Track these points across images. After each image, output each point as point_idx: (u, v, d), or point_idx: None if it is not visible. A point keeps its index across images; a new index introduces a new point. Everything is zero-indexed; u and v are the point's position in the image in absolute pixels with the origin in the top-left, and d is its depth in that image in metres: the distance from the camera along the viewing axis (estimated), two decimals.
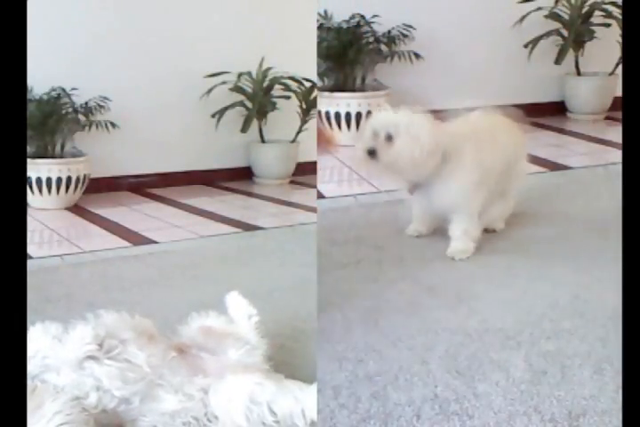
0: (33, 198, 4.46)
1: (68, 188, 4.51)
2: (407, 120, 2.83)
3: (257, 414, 1.79)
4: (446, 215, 2.98)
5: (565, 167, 4.16)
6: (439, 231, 3.10)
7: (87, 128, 4.68)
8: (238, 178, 5.34)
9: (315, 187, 4.01)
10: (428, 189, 2.93)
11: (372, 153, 2.79)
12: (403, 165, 2.79)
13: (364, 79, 4.85)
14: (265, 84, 5.16)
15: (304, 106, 5.18)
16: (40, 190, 4.45)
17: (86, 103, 4.65)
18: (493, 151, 2.98)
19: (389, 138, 2.79)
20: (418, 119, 2.86)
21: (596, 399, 1.97)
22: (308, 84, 5.12)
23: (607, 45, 4.97)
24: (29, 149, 4.42)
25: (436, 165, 2.83)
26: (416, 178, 2.89)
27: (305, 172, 5.16)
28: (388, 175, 2.98)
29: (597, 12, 5.04)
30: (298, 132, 5.26)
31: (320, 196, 3.76)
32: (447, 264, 2.89)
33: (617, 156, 4.07)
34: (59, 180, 4.46)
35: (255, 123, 5.22)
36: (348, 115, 4.70)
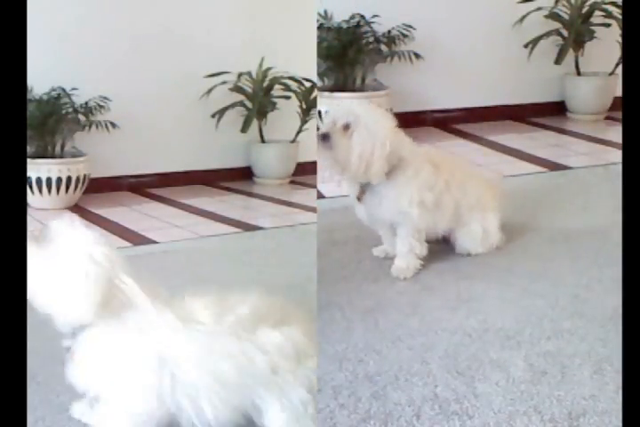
0: (33, 198, 4.46)
1: (68, 188, 4.51)
2: (369, 114, 2.68)
3: None
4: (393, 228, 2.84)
5: (565, 167, 4.17)
6: None
7: (87, 128, 4.68)
8: (238, 178, 5.34)
9: (315, 187, 4.01)
10: (375, 196, 2.76)
11: (325, 138, 2.61)
12: (355, 158, 2.61)
13: (363, 79, 4.85)
14: (265, 84, 5.16)
15: (304, 106, 5.18)
16: (40, 190, 4.45)
17: (86, 103, 4.65)
18: (442, 177, 2.83)
19: (347, 127, 2.62)
20: (381, 115, 2.72)
21: (596, 399, 1.97)
22: (308, 84, 5.12)
23: (607, 45, 4.97)
24: (29, 149, 4.42)
25: (388, 169, 2.67)
26: (365, 178, 2.68)
27: (305, 172, 5.17)
28: (338, 169, 2.70)
29: (597, 12, 5.04)
30: (298, 132, 5.26)
31: (320, 196, 3.76)
32: (447, 264, 2.89)
33: (617, 156, 4.07)
34: (59, 180, 4.46)
35: (255, 123, 5.22)
36: None
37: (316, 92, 4.97)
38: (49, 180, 4.45)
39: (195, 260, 3.50)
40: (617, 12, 4.91)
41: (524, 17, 5.00)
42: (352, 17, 4.83)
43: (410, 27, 4.84)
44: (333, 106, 2.76)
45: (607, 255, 2.87)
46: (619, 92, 4.94)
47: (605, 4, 5.01)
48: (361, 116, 2.64)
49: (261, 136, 5.31)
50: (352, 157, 2.61)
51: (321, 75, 4.82)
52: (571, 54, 5.12)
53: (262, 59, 5.13)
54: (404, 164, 2.71)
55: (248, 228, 4.07)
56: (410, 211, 2.75)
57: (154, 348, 1.80)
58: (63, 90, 4.59)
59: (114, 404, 1.83)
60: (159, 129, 5.09)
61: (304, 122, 5.22)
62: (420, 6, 4.97)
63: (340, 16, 4.83)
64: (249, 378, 1.83)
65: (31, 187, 4.43)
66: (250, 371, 1.82)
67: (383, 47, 4.83)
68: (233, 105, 5.13)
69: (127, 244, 3.76)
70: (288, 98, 5.17)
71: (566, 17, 5.09)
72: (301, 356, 1.89)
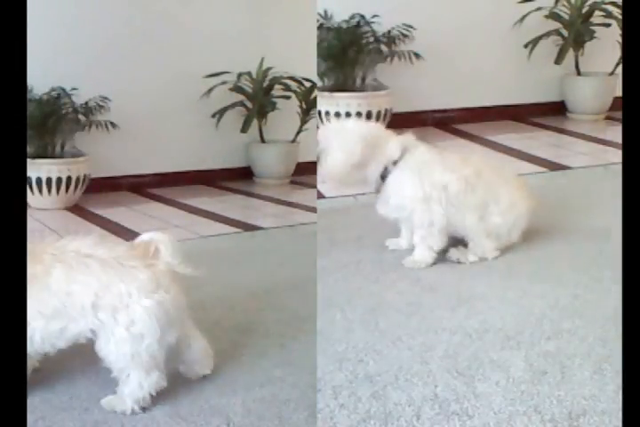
0: (33, 198, 4.46)
1: (68, 188, 4.50)
2: (338, 132, 2.89)
3: None
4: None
5: (565, 167, 4.17)
6: None
7: (87, 128, 4.68)
8: (238, 178, 5.34)
9: (315, 187, 4.01)
10: (385, 192, 2.91)
11: (319, 159, 2.91)
12: (332, 175, 2.90)
13: (364, 79, 4.85)
14: (265, 84, 5.16)
15: (304, 106, 5.18)
16: (40, 190, 4.45)
17: (86, 103, 4.65)
18: (445, 171, 2.88)
19: (323, 149, 2.88)
20: (351, 130, 2.88)
21: (596, 399, 1.97)
22: (308, 84, 5.12)
23: (607, 45, 4.97)
24: (29, 149, 4.41)
25: (372, 172, 2.87)
26: (355, 184, 2.97)
27: (305, 172, 5.16)
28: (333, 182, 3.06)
29: (597, 12, 5.04)
30: (298, 132, 5.26)
31: (320, 196, 3.76)
32: (447, 264, 2.89)
33: (617, 156, 4.07)
34: (59, 180, 4.46)
35: (255, 123, 5.22)
36: (347, 115, 4.70)
37: (315, 92, 4.97)
38: (49, 180, 4.45)
39: (195, 260, 3.49)
40: (617, 11, 4.91)
41: (524, 17, 5.00)
42: (352, 17, 4.83)
43: (410, 27, 4.84)
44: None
45: (607, 255, 2.87)
46: (619, 92, 4.93)
47: (605, 3, 5.01)
48: (331, 136, 2.89)
49: (261, 136, 5.30)
50: (330, 174, 2.90)
51: (321, 75, 4.82)
52: (571, 54, 5.12)
53: (262, 59, 5.13)
54: (401, 162, 2.85)
55: (248, 228, 4.07)
56: (411, 206, 2.85)
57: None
58: (63, 90, 4.59)
59: None
60: (159, 129, 5.09)
61: (304, 122, 5.22)
62: (420, 6, 4.97)
63: (340, 16, 4.82)
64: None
65: (31, 187, 4.43)
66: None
67: (383, 47, 4.83)
68: (233, 105, 5.13)
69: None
70: (288, 98, 5.17)
71: (566, 17, 5.09)
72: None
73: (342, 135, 2.88)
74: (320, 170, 2.94)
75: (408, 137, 2.91)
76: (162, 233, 2.24)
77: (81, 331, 2.08)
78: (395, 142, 2.88)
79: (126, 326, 2.05)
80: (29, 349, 2.08)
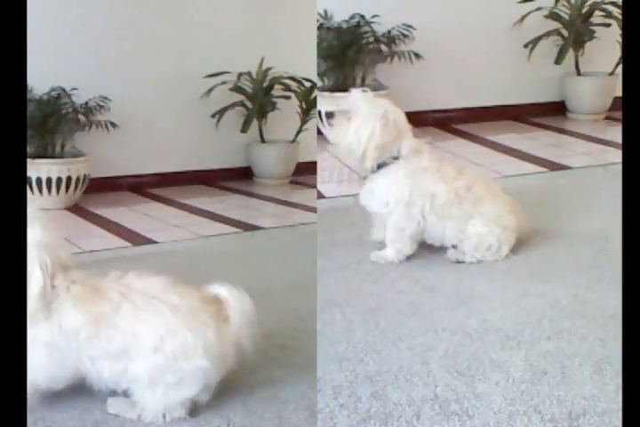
0: (33, 198, 4.46)
1: (68, 188, 4.50)
2: (372, 106, 2.81)
3: None
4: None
5: (565, 167, 4.17)
6: None
7: (87, 128, 4.68)
8: (238, 178, 5.34)
9: (315, 187, 4.01)
10: (371, 185, 2.92)
11: (329, 116, 2.92)
12: (348, 139, 2.82)
13: (363, 79, 4.85)
14: (265, 84, 5.16)
15: (304, 106, 5.18)
16: (40, 190, 4.45)
17: (86, 103, 4.65)
18: (438, 181, 2.86)
19: (348, 112, 2.83)
20: (382, 109, 2.80)
21: (596, 399, 1.97)
22: (308, 84, 5.13)
23: (607, 45, 4.97)
24: (29, 149, 4.41)
25: (381, 159, 2.83)
26: (356, 159, 2.87)
27: (305, 172, 5.17)
28: (335, 149, 2.95)
29: (597, 12, 5.04)
30: (298, 132, 5.26)
31: (320, 196, 3.76)
32: (447, 264, 2.89)
33: (617, 156, 4.07)
34: (59, 180, 4.46)
35: (255, 123, 5.22)
36: None
37: (315, 92, 4.97)
38: (49, 180, 4.45)
39: (195, 260, 3.50)
40: (617, 11, 4.91)
41: (524, 17, 5.00)
42: (352, 17, 4.83)
43: (410, 27, 4.84)
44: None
45: (607, 255, 2.87)
46: (619, 92, 4.94)
47: (605, 3, 5.01)
48: (362, 106, 2.80)
49: (261, 136, 5.31)
50: (346, 137, 2.81)
51: (321, 75, 4.82)
52: (571, 54, 5.12)
53: (262, 59, 5.13)
54: (402, 161, 2.84)
55: (248, 228, 4.07)
56: (392, 206, 2.85)
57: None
58: (63, 90, 4.59)
59: None
60: (159, 129, 5.09)
61: (304, 122, 5.22)
62: (420, 6, 4.97)
63: (339, 16, 4.83)
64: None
65: (31, 187, 4.43)
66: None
67: (383, 47, 4.83)
68: (233, 105, 5.13)
69: (127, 244, 3.76)
70: (288, 98, 5.17)
71: (566, 17, 5.10)
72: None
73: (371, 110, 2.79)
74: (333, 142, 2.89)
75: (422, 141, 2.89)
76: (234, 290, 2.20)
77: (139, 372, 1.99)
78: (410, 140, 2.85)
79: (175, 376, 1.99)
80: (97, 387, 2.03)
